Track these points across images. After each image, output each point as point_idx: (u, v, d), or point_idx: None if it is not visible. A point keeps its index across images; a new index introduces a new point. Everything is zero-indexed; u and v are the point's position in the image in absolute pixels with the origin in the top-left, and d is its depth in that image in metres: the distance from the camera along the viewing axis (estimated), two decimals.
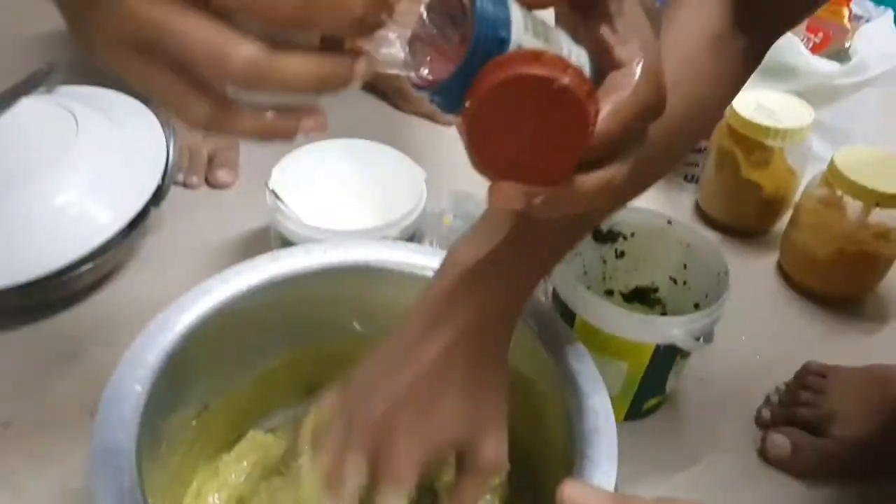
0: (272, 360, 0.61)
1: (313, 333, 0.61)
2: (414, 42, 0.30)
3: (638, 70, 0.32)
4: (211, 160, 0.90)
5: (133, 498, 0.42)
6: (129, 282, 0.78)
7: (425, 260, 0.59)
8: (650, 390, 0.66)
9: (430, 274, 0.48)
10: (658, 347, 0.62)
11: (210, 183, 0.90)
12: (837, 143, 0.90)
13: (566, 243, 0.49)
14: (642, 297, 0.73)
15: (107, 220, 0.72)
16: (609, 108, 0.32)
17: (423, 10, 0.30)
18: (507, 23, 0.29)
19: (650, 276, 0.72)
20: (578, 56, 0.33)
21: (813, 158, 0.87)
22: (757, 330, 0.78)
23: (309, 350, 0.61)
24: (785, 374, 0.71)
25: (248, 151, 0.93)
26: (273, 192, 0.69)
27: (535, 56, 0.29)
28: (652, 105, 0.33)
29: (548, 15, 0.33)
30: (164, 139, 0.78)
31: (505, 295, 0.46)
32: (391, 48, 0.30)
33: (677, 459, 0.66)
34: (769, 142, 0.83)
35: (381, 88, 1.05)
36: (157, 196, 0.77)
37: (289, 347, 0.61)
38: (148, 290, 0.75)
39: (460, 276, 0.45)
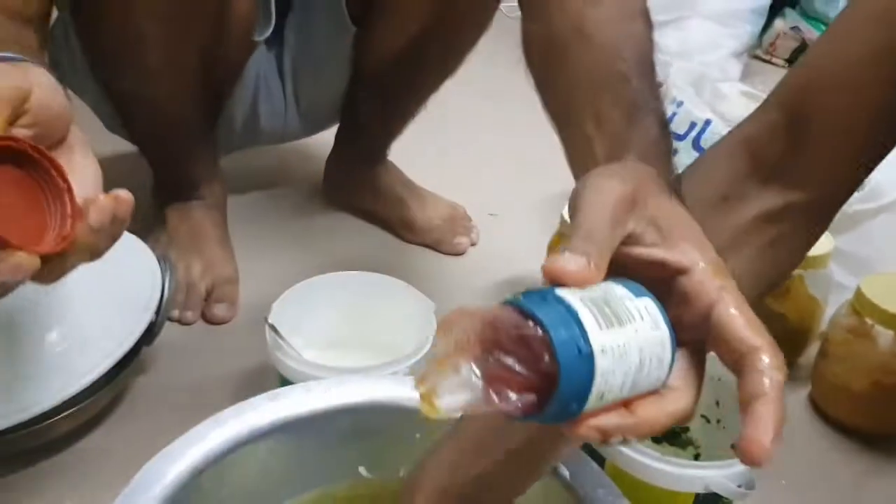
0: None
1: (317, 480, 0.55)
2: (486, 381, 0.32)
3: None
4: (209, 295, 0.87)
5: None
6: (116, 426, 0.73)
7: None
8: None
9: None
10: (698, 497, 0.56)
11: (207, 319, 0.86)
12: (857, 270, 0.87)
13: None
14: (672, 438, 0.67)
15: (91, 362, 0.67)
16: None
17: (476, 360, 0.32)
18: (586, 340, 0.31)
19: None
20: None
21: (835, 287, 0.83)
22: (795, 471, 0.71)
23: (313, 499, 0.55)
24: None
25: (248, 286, 0.89)
26: (272, 326, 0.65)
27: None
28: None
29: None
30: (159, 275, 0.75)
31: None
32: (454, 395, 0.32)
33: None
34: None
35: (385, 219, 1.03)
36: (149, 335, 0.73)
37: (292, 497, 0.55)
38: (137, 435, 0.69)
39: None
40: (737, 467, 0.55)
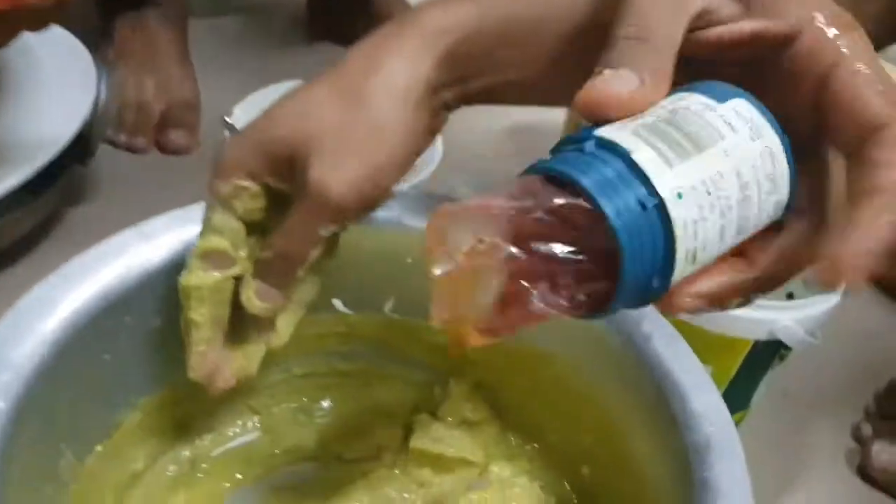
0: None
1: None
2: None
3: None
4: (164, 119, 0.73)
5: None
6: (41, 262, 0.61)
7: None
8: (735, 403, 0.49)
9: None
10: (756, 345, 0.45)
11: (161, 147, 0.73)
12: None
13: None
14: None
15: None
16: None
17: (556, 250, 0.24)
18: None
19: None
20: None
21: None
22: (842, 334, 0.61)
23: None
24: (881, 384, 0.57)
25: (211, 114, 0.76)
26: (229, 125, 0.52)
27: None
28: None
29: None
30: (94, 79, 0.61)
31: None
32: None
33: (765, 486, 0.50)
34: None
35: (342, 33, 0.89)
36: (82, 152, 0.60)
37: None
38: None
39: None
40: (812, 309, 0.44)
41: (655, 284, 0.24)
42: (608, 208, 0.22)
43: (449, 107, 0.37)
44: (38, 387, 0.33)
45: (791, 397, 0.57)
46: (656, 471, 0.34)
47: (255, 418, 0.48)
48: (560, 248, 0.23)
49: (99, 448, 0.38)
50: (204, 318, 0.36)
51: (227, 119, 0.54)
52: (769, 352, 0.46)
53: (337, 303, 0.46)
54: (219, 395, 0.39)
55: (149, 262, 0.38)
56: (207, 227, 0.36)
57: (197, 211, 0.40)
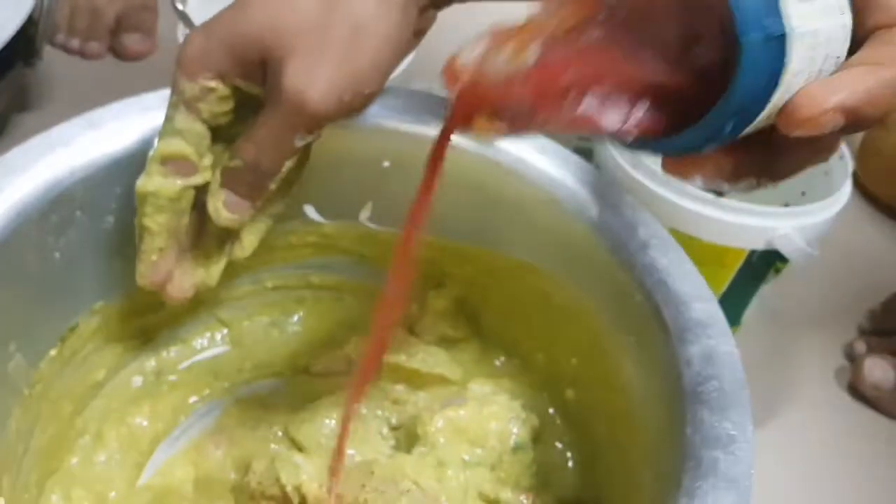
0: None
1: None
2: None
3: None
4: (119, 23, 0.68)
5: None
6: None
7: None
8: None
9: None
10: (751, 256, 0.43)
11: (117, 53, 0.68)
12: None
13: None
14: None
15: None
16: None
17: None
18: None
19: None
20: None
21: None
22: (834, 251, 0.59)
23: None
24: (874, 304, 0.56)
25: (169, 14, 0.71)
26: (182, 14, 0.48)
27: None
28: None
29: None
30: None
31: None
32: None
33: (754, 406, 0.48)
34: None
35: None
36: (26, 51, 0.55)
37: None
38: None
39: None
40: (811, 218, 0.41)
41: (733, 125, 0.22)
42: (744, 22, 0.20)
43: (437, 4, 0.33)
44: None
45: (781, 316, 0.55)
46: (646, 388, 0.33)
47: (224, 331, 0.46)
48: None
49: (52, 353, 0.35)
50: (159, 227, 0.34)
51: (179, 6, 0.49)
52: (764, 264, 0.44)
53: (309, 209, 0.43)
54: (176, 305, 0.37)
55: (99, 153, 0.35)
56: (169, 129, 0.32)
57: (152, 99, 0.36)
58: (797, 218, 0.41)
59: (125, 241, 0.37)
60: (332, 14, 0.30)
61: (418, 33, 0.35)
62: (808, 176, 0.46)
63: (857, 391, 0.50)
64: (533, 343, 0.43)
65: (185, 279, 0.36)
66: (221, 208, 0.33)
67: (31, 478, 0.35)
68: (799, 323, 0.55)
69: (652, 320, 0.32)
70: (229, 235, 0.36)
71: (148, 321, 0.42)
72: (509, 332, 0.45)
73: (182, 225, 0.35)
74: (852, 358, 0.53)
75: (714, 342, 0.30)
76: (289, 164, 0.32)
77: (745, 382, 0.29)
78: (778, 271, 0.46)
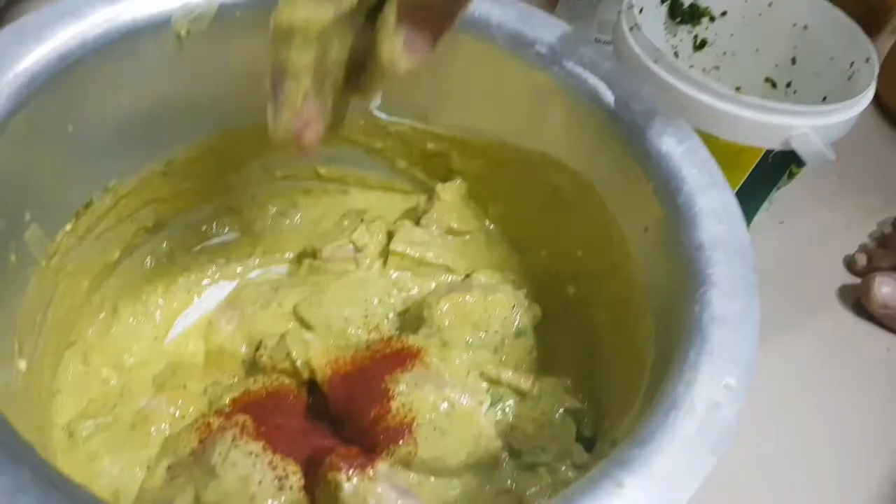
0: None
1: None
2: None
3: None
4: None
5: None
6: None
7: None
8: None
9: None
10: (766, 157, 0.42)
11: None
12: None
13: None
14: None
15: None
16: None
17: None
18: None
19: (737, 76, 0.52)
20: None
21: None
22: (851, 169, 0.59)
23: None
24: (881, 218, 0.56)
25: None
26: None
27: None
28: None
29: None
30: None
31: None
32: None
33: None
34: None
35: None
36: None
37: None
38: None
39: None
40: (837, 117, 0.41)
41: None
42: None
43: None
44: None
45: (790, 224, 0.55)
46: (653, 274, 0.33)
47: (235, 218, 0.46)
48: None
49: (68, 227, 0.36)
50: (306, 66, 0.29)
51: None
52: (779, 167, 0.43)
53: None
54: (306, 154, 0.31)
55: (113, 25, 0.34)
56: None
57: None
58: (816, 117, 0.40)
59: (139, 120, 0.37)
60: None
61: None
62: (831, 79, 0.46)
63: (862, 308, 0.50)
64: (538, 238, 0.44)
65: (320, 123, 0.31)
66: (401, 49, 0.28)
67: (49, 347, 0.36)
68: (807, 231, 0.55)
69: (665, 208, 0.32)
70: (369, 81, 0.31)
71: (160, 205, 0.42)
72: (515, 227, 0.45)
73: (329, 63, 0.29)
74: (853, 269, 0.53)
75: (726, 228, 0.30)
76: None
77: (755, 268, 0.29)
78: (791, 176, 0.45)
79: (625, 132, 0.34)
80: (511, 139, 0.41)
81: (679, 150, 0.33)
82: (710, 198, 0.31)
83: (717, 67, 0.52)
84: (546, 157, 0.40)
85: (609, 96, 0.35)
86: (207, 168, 0.42)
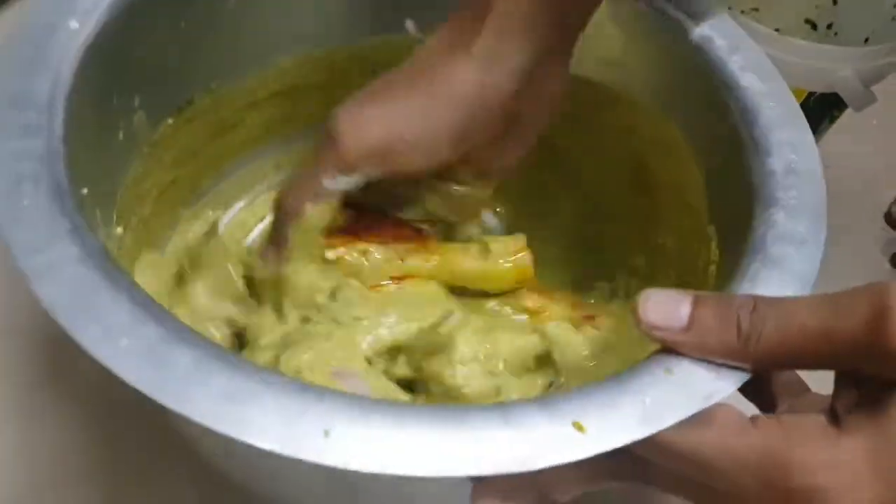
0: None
1: (337, 34, 0.43)
2: None
3: None
4: None
5: None
6: None
7: None
8: None
9: None
10: (809, 99, 0.42)
11: None
12: None
13: None
14: None
15: None
16: None
17: None
18: None
19: (777, 18, 0.50)
20: None
21: None
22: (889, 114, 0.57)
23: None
24: None
25: None
26: None
27: None
28: None
29: None
30: None
31: None
32: None
33: None
34: None
35: None
36: None
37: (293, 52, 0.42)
38: None
39: None
40: (880, 59, 0.40)
41: None
42: None
43: None
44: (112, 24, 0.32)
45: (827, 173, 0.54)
46: (722, 206, 0.33)
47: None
48: None
49: (170, 121, 0.38)
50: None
51: None
52: (821, 110, 0.43)
53: (409, 24, 0.43)
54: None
55: None
56: None
57: None
58: (859, 60, 0.39)
59: (244, 25, 0.39)
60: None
61: None
62: (873, 20, 0.45)
63: None
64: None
65: None
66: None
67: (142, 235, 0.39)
68: (846, 179, 0.54)
69: (741, 140, 0.32)
70: None
71: (256, 113, 0.44)
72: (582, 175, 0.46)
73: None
74: (891, 221, 0.52)
75: (799, 159, 0.30)
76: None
77: (824, 198, 0.29)
78: (833, 120, 0.45)
79: (709, 64, 0.34)
80: (594, 76, 0.41)
81: (761, 86, 0.33)
82: (788, 132, 0.31)
83: (755, 9, 0.51)
84: (620, 96, 0.40)
85: (694, 29, 0.36)
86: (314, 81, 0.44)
